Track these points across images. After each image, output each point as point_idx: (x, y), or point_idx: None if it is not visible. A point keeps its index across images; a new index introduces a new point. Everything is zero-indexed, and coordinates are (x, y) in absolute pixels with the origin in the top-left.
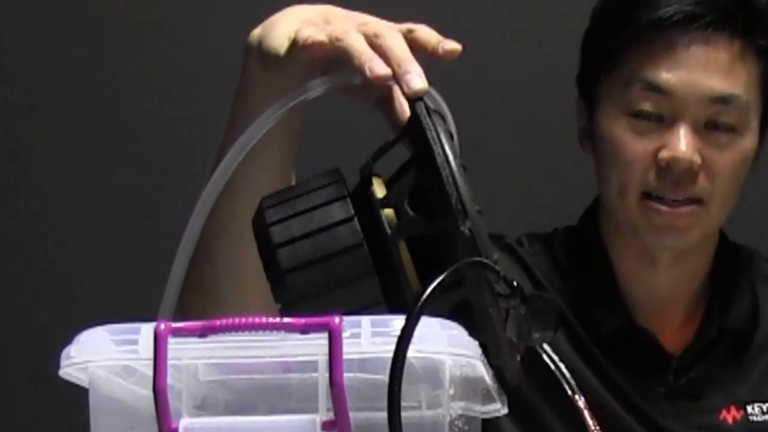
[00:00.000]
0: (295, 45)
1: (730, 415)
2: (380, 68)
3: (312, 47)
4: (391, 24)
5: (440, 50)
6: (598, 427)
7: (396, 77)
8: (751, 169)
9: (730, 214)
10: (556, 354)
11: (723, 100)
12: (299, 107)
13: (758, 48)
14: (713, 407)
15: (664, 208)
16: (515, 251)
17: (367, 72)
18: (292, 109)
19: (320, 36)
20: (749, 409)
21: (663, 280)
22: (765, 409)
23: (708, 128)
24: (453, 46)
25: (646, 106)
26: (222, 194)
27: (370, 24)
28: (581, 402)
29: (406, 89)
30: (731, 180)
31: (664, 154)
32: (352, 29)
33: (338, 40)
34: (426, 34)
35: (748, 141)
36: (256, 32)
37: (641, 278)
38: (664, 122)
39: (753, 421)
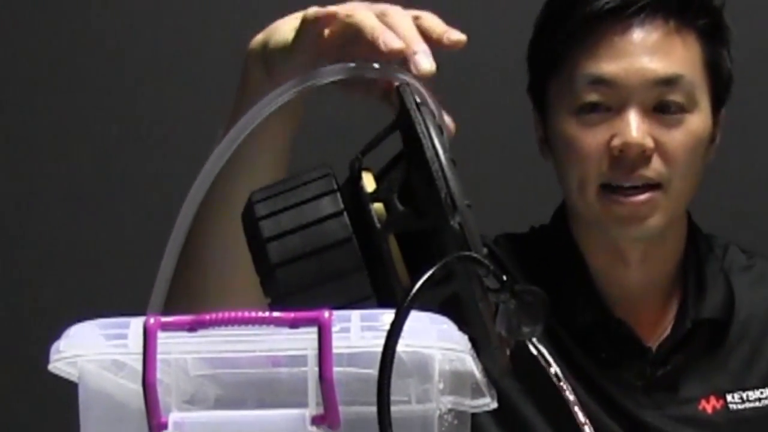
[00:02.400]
0: (304, 24)
1: (709, 405)
2: (394, 41)
3: (325, 19)
4: (397, 7)
5: (445, 40)
6: (588, 423)
7: (404, 55)
8: (709, 153)
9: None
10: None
11: (667, 82)
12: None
13: (697, 29)
14: (691, 398)
15: (623, 198)
16: (492, 251)
17: (382, 45)
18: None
19: (329, 11)
20: (729, 398)
21: (635, 276)
22: (745, 397)
23: (657, 111)
24: (458, 36)
25: (592, 98)
26: (212, 199)
27: (377, 5)
28: (571, 397)
29: (414, 69)
30: (686, 161)
31: (615, 141)
32: (360, 6)
33: (348, 16)
34: (432, 21)
35: (699, 120)
36: (259, 37)
37: (613, 275)
38: (612, 111)
39: (733, 410)
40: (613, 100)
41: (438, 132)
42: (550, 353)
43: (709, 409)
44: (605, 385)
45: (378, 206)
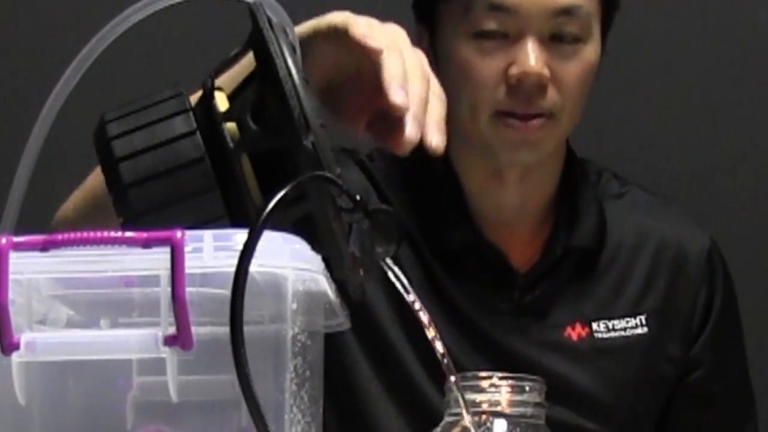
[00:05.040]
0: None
1: (575, 332)
2: (403, 100)
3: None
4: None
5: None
6: (443, 346)
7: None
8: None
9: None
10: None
11: (566, 12)
12: None
13: None
14: (558, 324)
15: (516, 122)
16: (365, 166)
17: (394, 97)
18: None
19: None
20: (594, 326)
21: (510, 197)
22: (611, 326)
23: (553, 40)
24: (438, 142)
25: (491, 26)
26: None
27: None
28: (425, 318)
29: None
30: (579, 90)
31: (513, 70)
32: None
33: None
34: (436, 109)
35: (592, 50)
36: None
37: (488, 195)
38: (509, 39)
39: (598, 338)
40: (511, 27)
41: (291, 51)
42: (417, 277)
43: (574, 336)
44: (472, 311)
45: (231, 126)
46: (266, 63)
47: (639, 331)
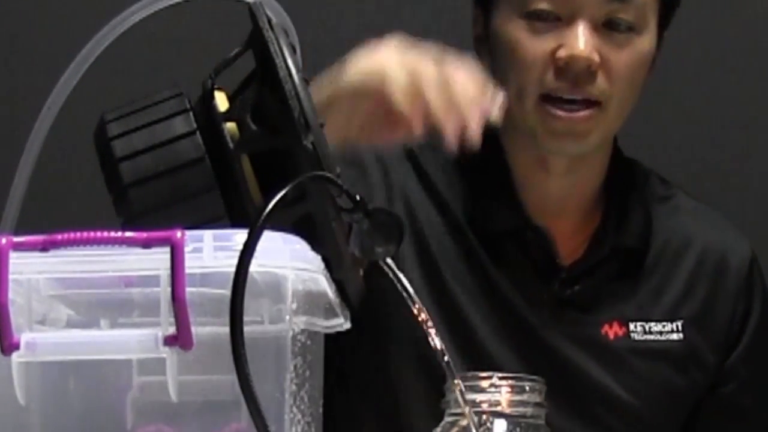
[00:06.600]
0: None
1: (611, 331)
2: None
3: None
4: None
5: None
6: (444, 348)
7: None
8: (649, 75)
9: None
10: (445, 258)
11: None
12: None
13: None
14: (595, 321)
15: (561, 112)
16: (414, 158)
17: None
18: None
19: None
20: (632, 326)
21: (555, 188)
22: (647, 328)
23: (606, 27)
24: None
25: (543, 5)
26: None
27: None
28: (424, 317)
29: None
30: (629, 80)
31: (561, 52)
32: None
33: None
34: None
35: (646, 41)
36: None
37: (534, 183)
38: (561, 21)
39: (634, 339)
40: (563, 9)
41: (291, 51)
42: (459, 260)
43: (611, 335)
44: (514, 298)
45: (231, 126)
46: (266, 63)
47: (674, 337)
